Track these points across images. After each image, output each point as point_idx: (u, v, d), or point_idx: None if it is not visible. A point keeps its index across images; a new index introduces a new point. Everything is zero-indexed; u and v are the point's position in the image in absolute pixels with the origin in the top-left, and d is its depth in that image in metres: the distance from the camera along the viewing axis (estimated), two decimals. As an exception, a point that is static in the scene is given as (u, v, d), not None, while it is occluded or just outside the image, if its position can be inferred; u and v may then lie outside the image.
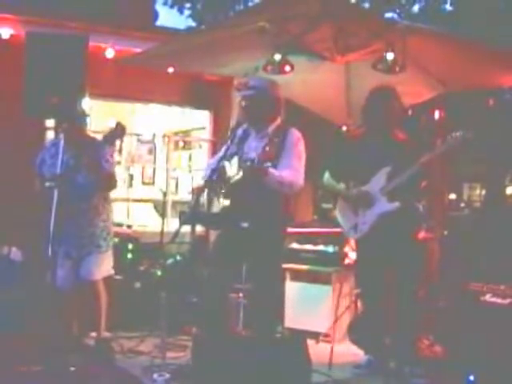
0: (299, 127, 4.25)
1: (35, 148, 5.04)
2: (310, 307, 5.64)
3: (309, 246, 5.95)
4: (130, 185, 9.28)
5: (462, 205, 11.91)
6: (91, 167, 4.49)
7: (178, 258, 6.05)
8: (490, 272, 5.18)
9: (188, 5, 16.77)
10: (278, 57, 5.10)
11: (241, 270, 4.58)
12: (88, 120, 4.86)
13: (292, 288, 5.79)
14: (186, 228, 4.79)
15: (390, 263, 4.55)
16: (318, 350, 4.88)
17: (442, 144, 4.49)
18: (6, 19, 6.17)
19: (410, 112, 6.81)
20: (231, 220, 4.04)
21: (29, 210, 5.19)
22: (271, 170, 3.90)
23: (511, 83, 5.80)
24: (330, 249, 5.80)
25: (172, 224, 7.44)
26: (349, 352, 4.96)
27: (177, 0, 16.65)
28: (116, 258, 5.01)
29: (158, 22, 12.00)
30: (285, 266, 5.55)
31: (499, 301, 4.49)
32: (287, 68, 5.15)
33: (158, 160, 9.79)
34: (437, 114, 7.05)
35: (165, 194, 5.75)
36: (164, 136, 9.10)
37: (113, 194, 5.02)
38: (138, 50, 5.88)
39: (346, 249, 5.61)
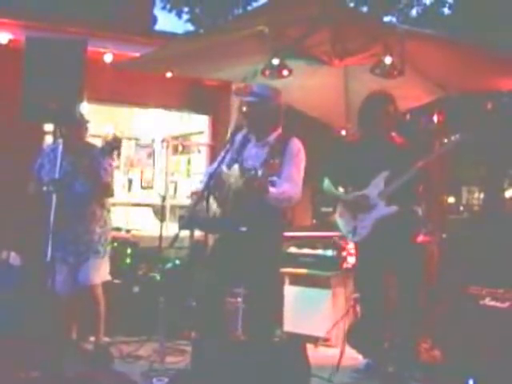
0: (298, 132, 4.25)
1: (34, 152, 5.04)
2: (309, 311, 5.63)
3: (308, 250, 5.95)
4: (129, 189, 9.28)
5: (461, 208, 11.93)
6: (89, 175, 4.50)
7: (177, 262, 6.05)
8: (489, 275, 5.18)
9: (186, 9, 16.80)
10: (276, 61, 5.10)
11: (239, 274, 4.57)
12: (88, 125, 4.87)
13: (291, 292, 5.79)
14: (185, 232, 4.78)
15: (389, 267, 4.56)
16: (317, 355, 4.87)
17: (439, 147, 4.50)
18: (4, 24, 6.18)
19: (408, 116, 6.82)
20: (230, 224, 4.03)
21: (28, 215, 5.19)
22: (271, 190, 3.86)
23: (509, 87, 5.80)
24: (329, 253, 5.80)
25: (171, 228, 7.43)
26: (348, 356, 4.96)
27: (175, 4, 16.67)
28: (115, 262, 5.02)
29: (157, 27, 12.05)
30: (284, 270, 5.57)
31: (498, 304, 4.49)
32: (285, 72, 5.15)
33: (156, 164, 9.77)
34: (435, 118, 7.05)
35: (164, 199, 5.75)
36: (163, 140, 9.08)
37: (111, 199, 5.02)
38: (137, 55, 5.89)
39: (344, 254, 5.61)
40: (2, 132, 6.23)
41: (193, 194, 4.41)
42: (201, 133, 8.49)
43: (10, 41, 6.16)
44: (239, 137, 4.24)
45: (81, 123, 4.75)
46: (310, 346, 4.75)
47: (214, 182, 3.99)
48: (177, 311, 5.22)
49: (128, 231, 6.94)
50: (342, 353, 4.64)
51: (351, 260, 5.43)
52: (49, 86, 4.70)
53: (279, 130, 4.22)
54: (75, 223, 4.64)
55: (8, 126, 5.97)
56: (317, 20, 4.78)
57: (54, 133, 5.22)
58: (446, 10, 15.31)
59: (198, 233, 6.02)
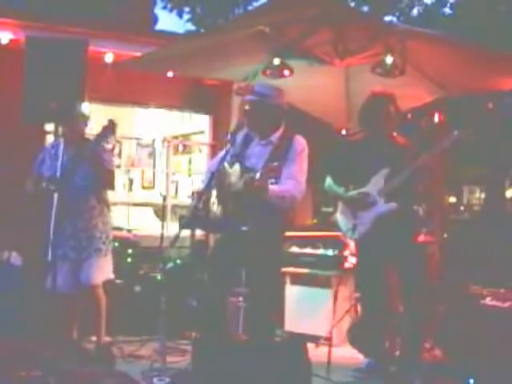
0: (299, 131, 4.24)
1: (35, 152, 5.04)
2: (310, 311, 5.63)
3: (309, 250, 5.95)
4: (130, 189, 9.28)
5: (462, 208, 11.92)
6: (91, 161, 4.49)
7: (178, 262, 6.05)
8: (489, 275, 5.18)
9: (187, 9, 16.79)
10: (277, 61, 5.10)
11: (240, 273, 4.57)
12: (88, 124, 4.87)
13: (292, 292, 5.79)
14: (186, 232, 4.78)
15: (389, 265, 4.56)
16: (317, 354, 4.87)
17: (437, 145, 4.50)
18: (5, 24, 6.17)
19: (409, 115, 6.82)
20: (231, 224, 4.03)
21: (29, 215, 5.18)
22: (272, 187, 3.82)
23: (510, 87, 5.79)
24: (330, 252, 5.80)
25: (172, 228, 7.43)
26: (349, 355, 4.96)
27: (176, 4, 16.66)
28: (116, 262, 5.01)
29: (158, 26, 12.04)
30: (285, 269, 5.56)
31: (499, 304, 4.49)
32: (286, 72, 5.15)
33: (157, 164, 9.78)
34: (436, 118, 7.05)
35: (165, 198, 5.74)
36: (164, 140, 9.09)
37: (112, 198, 5.02)
38: (138, 55, 5.88)
39: (346, 253, 5.61)
40: (2, 132, 6.22)
41: (194, 193, 4.41)
42: (202, 132, 8.48)
43: (11, 41, 6.16)
44: (240, 135, 4.24)
45: (82, 122, 4.76)
46: (310, 346, 4.74)
47: (215, 182, 3.98)
48: (178, 311, 5.22)
49: (129, 231, 6.94)
50: (329, 352, 4.66)
51: (352, 260, 5.43)
52: (49, 86, 4.72)
53: (281, 129, 4.21)
54: (74, 216, 4.63)
55: (9, 125, 5.97)
56: (318, 20, 4.77)
57: (55, 132, 5.24)
58: (447, 10, 15.31)
59: (199, 232, 6.04)
